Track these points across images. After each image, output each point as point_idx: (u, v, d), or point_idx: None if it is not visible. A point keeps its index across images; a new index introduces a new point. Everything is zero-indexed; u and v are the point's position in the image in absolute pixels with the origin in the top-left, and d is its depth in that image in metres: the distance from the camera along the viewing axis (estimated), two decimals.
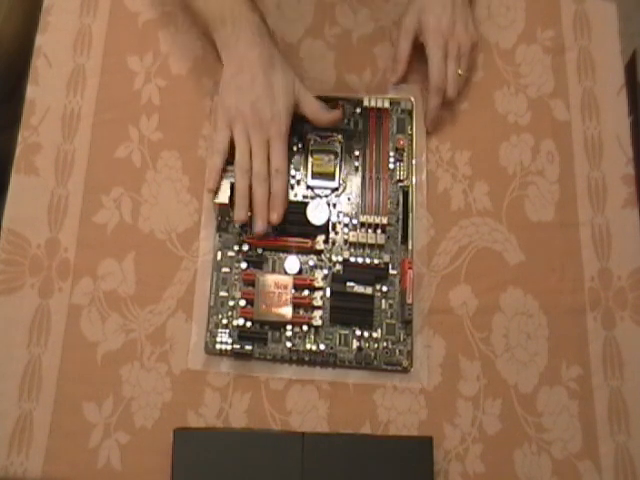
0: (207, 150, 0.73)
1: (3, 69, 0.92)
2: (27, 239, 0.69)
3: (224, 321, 0.67)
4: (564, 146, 0.75)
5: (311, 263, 0.69)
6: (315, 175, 0.71)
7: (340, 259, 0.69)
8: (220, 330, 0.67)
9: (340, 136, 0.72)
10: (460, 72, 0.72)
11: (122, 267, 0.69)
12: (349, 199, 0.71)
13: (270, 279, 0.67)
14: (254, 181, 0.66)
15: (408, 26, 0.74)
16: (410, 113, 0.74)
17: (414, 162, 0.72)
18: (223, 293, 0.68)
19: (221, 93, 0.68)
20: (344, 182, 0.71)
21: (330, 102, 0.72)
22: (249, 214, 0.66)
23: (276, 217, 0.66)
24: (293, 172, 0.71)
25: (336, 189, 0.71)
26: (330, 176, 0.71)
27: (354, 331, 0.67)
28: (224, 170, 0.69)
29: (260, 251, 0.68)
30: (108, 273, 0.69)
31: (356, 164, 0.72)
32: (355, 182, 0.71)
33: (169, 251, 0.70)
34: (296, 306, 0.66)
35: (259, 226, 0.66)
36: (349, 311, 0.67)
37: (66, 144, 0.73)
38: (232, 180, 0.68)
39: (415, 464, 0.62)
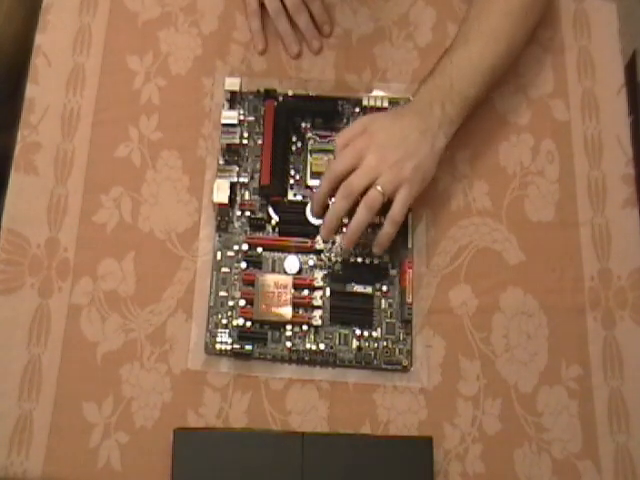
0: (207, 150, 0.73)
1: (3, 69, 0.91)
2: (27, 239, 0.69)
3: (224, 321, 0.67)
4: (564, 146, 0.75)
5: (311, 263, 0.69)
6: (315, 175, 0.71)
7: (340, 259, 0.69)
8: (220, 330, 0.67)
9: None
10: (379, 189, 0.63)
11: (122, 267, 0.69)
12: None
13: (270, 279, 0.67)
14: (293, 14, 0.75)
15: (349, 134, 0.66)
16: None
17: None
18: (223, 293, 0.68)
19: None
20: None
21: (330, 102, 0.72)
22: None
23: (329, 29, 0.77)
24: (292, 172, 0.71)
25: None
26: None
27: (354, 331, 0.67)
28: (224, 170, 0.69)
29: (260, 251, 0.68)
30: (108, 273, 0.68)
31: None
32: None
33: (169, 251, 0.69)
34: (296, 306, 0.66)
35: (315, 45, 0.76)
36: (349, 311, 0.67)
37: (66, 143, 0.73)
38: (232, 180, 0.69)
39: (415, 464, 0.62)
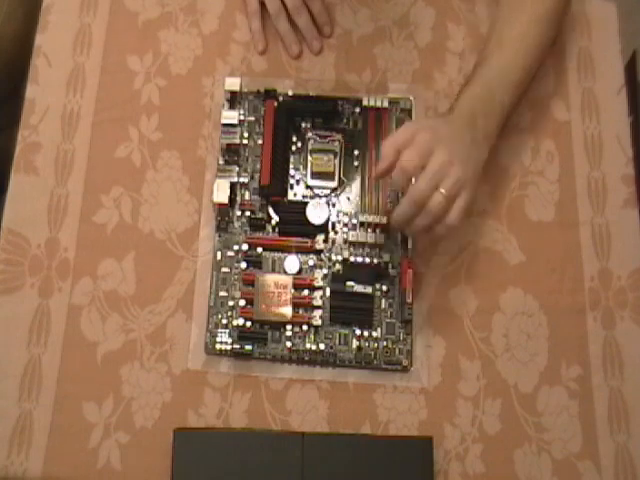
0: (207, 150, 0.73)
1: (3, 69, 0.92)
2: (27, 239, 0.69)
3: (224, 321, 0.67)
4: (564, 146, 0.75)
5: (311, 263, 0.69)
6: (315, 175, 0.71)
7: (340, 259, 0.69)
8: (220, 330, 0.67)
9: (340, 136, 0.72)
10: (442, 191, 0.60)
11: (122, 267, 0.69)
12: (349, 199, 0.71)
13: (270, 279, 0.67)
14: (293, 14, 0.75)
15: (414, 125, 0.66)
16: (409, 112, 0.74)
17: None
18: (223, 293, 0.68)
19: None
20: (344, 182, 0.71)
21: (330, 102, 0.72)
22: None
23: (330, 30, 0.77)
24: (292, 172, 0.71)
25: (335, 189, 0.71)
26: (330, 176, 0.71)
27: (354, 331, 0.67)
28: (224, 170, 0.69)
29: (260, 251, 0.68)
30: (108, 273, 0.68)
31: (356, 164, 0.72)
32: (355, 182, 0.71)
33: (169, 251, 0.69)
34: (296, 306, 0.66)
35: (315, 45, 0.76)
36: (349, 311, 0.67)
37: (66, 144, 0.73)
38: (232, 180, 0.69)
39: (415, 464, 0.62)
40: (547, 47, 0.72)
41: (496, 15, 0.72)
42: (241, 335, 0.66)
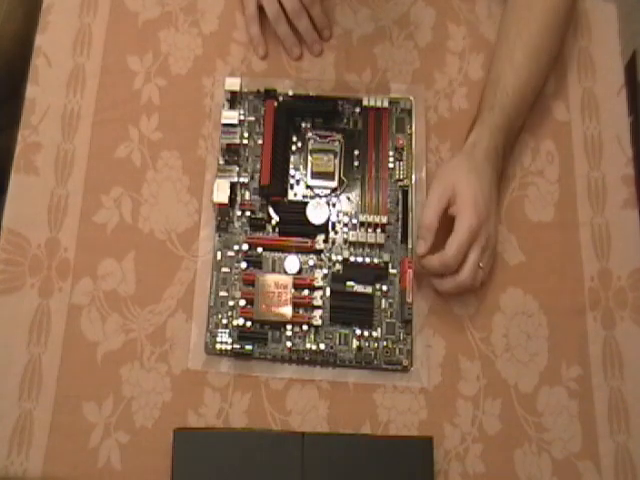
0: (207, 150, 0.73)
1: (3, 69, 0.92)
2: (27, 239, 0.69)
3: (224, 321, 0.67)
4: (564, 146, 0.75)
5: (311, 263, 0.69)
6: (315, 175, 0.71)
7: (340, 259, 0.69)
8: (220, 330, 0.67)
9: (340, 136, 0.72)
10: (481, 265, 0.65)
11: (122, 267, 0.69)
12: (349, 198, 0.71)
13: (270, 279, 0.67)
14: (293, 18, 0.74)
15: (441, 193, 0.65)
16: (409, 112, 0.74)
17: (413, 162, 0.72)
18: (223, 293, 0.68)
19: None
20: (344, 182, 0.71)
21: (330, 102, 0.72)
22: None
23: (329, 34, 0.77)
24: (292, 172, 0.71)
25: (336, 189, 0.71)
26: (330, 176, 0.71)
27: (354, 330, 0.67)
28: (224, 170, 0.69)
29: (260, 251, 0.68)
30: (108, 273, 0.68)
31: (356, 164, 0.72)
32: (355, 182, 0.71)
33: (169, 251, 0.69)
34: (296, 306, 0.66)
35: (316, 48, 0.76)
36: (349, 310, 0.67)
37: (66, 144, 0.73)
38: (232, 180, 0.69)
39: (415, 464, 0.62)
40: (555, 58, 0.74)
41: (504, 23, 0.73)
42: (241, 335, 0.66)
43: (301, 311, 0.67)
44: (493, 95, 0.69)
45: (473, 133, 0.68)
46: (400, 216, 0.70)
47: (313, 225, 0.69)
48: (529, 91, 0.70)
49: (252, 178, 0.71)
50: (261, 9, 0.76)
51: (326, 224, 0.69)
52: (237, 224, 0.70)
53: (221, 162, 0.70)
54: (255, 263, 0.68)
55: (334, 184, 0.71)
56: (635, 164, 0.74)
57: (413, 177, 0.71)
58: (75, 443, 0.64)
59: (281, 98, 0.73)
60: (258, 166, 0.71)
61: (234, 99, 0.73)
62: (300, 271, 0.68)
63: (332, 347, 0.66)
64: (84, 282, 0.68)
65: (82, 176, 0.72)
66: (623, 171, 0.74)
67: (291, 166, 0.72)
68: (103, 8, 0.78)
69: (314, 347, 0.66)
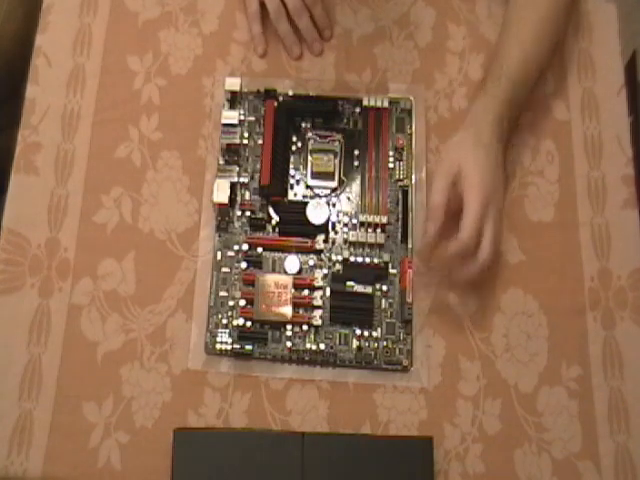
0: (207, 150, 0.73)
1: (3, 69, 0.92)
2: (27, 239, 0.69)
3: (224, 321, 0.67)
4: (564, 146, 0.75)
5: (311, 263, 0.69)
6: (315, 175, 0.71)
7: (340, 258, 0.69)
8: (220, 330, 0.67)
9: (340, 136, 0.72)
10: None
11: (122, 267, 0.69)
12: (349, 198, 0.71)
13: (270, 279, 0.67)
14: (294, 16, 0.75)
15: (447, 170, 0.65)
16: (409, 112, 0.74)
17: (413, 162, 0.72)
18: (223, 293, 0.68)
19: None
20: (344, 182, 0.71)
21: (330, 102, 0.72)
22: None
23: (330, 33, 0.77)
24: (292, 172, 0.71)
25: (336, 189, 0.71)
26: (330, 176, 0.71)
27: (354, 330, 0.67)
28: (224, 170, 0.69)
29: (260, 251, 0.68)
30: (108, 273, 0.68)
31: (356, 164, 0.72)
32: (355, 182, 0.71)
33: (169, 251, 0.69)
34: (296, 306, 0.66)
35: (316, 47, 0.76)
36: (349, 310, 0.67)
37: (66, 144, 0.73)
38: (232, 180, 0.69)
39: (415, 464, 0.62)
40: (560, 36, 0.75)
41: (509, 11, 0.74)
42: (241, 335, 0.66)
43: (301, 311, 0.67)
44: (499, 67, 0.69)
45: (477, 103, 0.69)
46: (400, 216, 0.70)
47: (313, 225, 0.69)
48: (534, 68, 0.71)
49: (252, 178, 0.71)
50: (263, 7, 0.76)
51: (326, 224, 0.69)
52: (237, 224, 0.70)
53: (221, 162, 0.70)
54: (255, 263, 0.68)
55: (334, 184, 0.71)
56: (635, 164, 0.74)
57: (413, 177, 0.71)
58: (75, 443, 0.64)
59: (281, 98, 0.73)
60: (258, 166, 0.71)
61: (234, 99, 0.73)
62: (300, 271, 0.68)
63: (332, 347, 0.66)
64: (84, 282, 0.68)
65: (82, 176, 0.72)
66: (623, 171, 0.74)
67: (291, 166, 0.72)
68: (103, 8, 0.78)
69: (314, 347, 0.66)
